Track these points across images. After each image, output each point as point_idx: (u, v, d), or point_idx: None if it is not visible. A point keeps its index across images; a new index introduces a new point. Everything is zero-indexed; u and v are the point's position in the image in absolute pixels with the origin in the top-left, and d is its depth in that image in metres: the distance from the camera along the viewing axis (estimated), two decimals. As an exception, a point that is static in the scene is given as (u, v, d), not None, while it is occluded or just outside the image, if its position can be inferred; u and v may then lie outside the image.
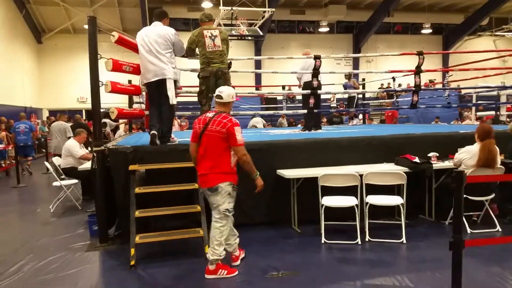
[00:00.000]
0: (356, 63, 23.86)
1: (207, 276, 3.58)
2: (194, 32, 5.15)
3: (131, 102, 7.89)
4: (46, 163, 6.92)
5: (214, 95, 3.81)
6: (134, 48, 4.95)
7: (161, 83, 4.66)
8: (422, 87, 7.14)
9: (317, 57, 6.31)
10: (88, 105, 4.68)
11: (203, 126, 3.60)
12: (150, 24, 4.84)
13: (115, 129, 13.08)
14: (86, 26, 15.18)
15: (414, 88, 6.82)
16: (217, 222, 3.59)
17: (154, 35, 4.65)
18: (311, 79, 6.58)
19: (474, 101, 12.23)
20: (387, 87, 17.70)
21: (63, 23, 20.18)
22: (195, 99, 5.51)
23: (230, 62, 5.25)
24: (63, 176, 6.95)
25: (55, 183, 6.69)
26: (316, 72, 6.41)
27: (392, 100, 13.08)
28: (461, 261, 2.66)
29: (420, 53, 6.61)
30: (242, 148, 3.55)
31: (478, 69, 9.42)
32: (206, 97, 5.12)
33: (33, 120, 18.11)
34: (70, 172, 6.95)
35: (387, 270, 3.68)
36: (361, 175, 4.47)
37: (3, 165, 11.21)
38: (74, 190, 6.97)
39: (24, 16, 18.84)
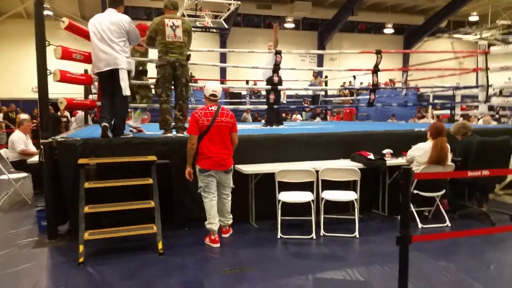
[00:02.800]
0: (320, 61, 24.16)
1: (225, 235, 4.48)
2: (155, 20, 4.97)
3: (87, 93, 7.60)
4: (1, 151, 6.55)
5: (208, 95, 4.28)
6: (86, 35, 4.70)
7: (114, 73, 4.47)
8: (382, 86, 7.30)
9: (278, 52, 6.29)
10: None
11: (212, 119, 4.15)
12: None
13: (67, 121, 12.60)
14: (41, 13, 14.24)
15: (371, 87, 6.94)
16: (228, 197, 4.45)
17: (107, 22, 4.46)
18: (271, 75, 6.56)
19: (431, 100, 12.64)
20: (348, 85, 18.06)
21: (15, 7, 19.11)
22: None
23: (189, 55, 5.12)
24: (12, 170, 6.61)
25: (3, 176, 6.34)
26: (276, 68, 6.39)
27: (352, 98, 13.32)
28: (408, 255, 2.70)
29: (378, 52, 6.73)
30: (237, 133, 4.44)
31: (435, 69, 9.73)
32: (162, 86, 4.95)
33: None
34: (19, 165, 6.62)
35: (339, 264, 3.73)
36: (317, 171, 4.50)
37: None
38: (24, 184, 6.64)
39: (-27, 0, 17.78)
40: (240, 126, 8.25)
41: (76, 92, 9.51)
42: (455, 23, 25.58)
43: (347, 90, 19.78)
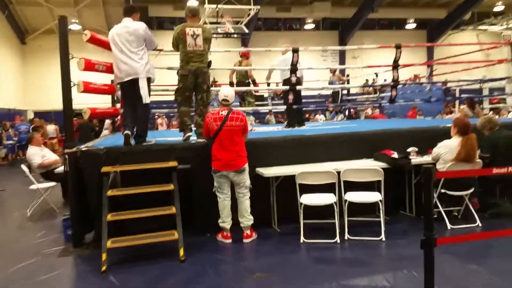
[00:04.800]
0: (342, 59, 23.89)
1: (245, 240, 4.45)
2: (176, 29, 5.03)
3: (113, 101, 7.75)
4: (23, 166, 6.74)
5: (221, 99, 4.51)
6: (107, 47, 4.83)
7: (134, 82, 4.56)
8: (408, 82, 7.12)
9: (295, 50, 6.20)
10: (76, 106, 4.60)
11: (221, 123, 4.34)
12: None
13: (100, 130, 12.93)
14: (70, 26, 14.84)
15: (392, 83, 6.77)
16: (246, 195, 4.53)
17: (126, 33, 4.54)
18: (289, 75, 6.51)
19: (457, 95, 12.27)
20: (372, 83, 17.72)
21: (47, 23, 19.82)
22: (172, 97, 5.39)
23: (210, 61, 5.13)
24: (42, 180, 6.79)
25: (32, 186, 6.53)
26: (294, 68, 6.32)
27: (375, 95, 13.06)
28: (433, 259, 2.59)
29: (398, 46, 6.55)
30: (248, 134, 4.68)
31: (458, 62, 9.42)
32: (182, 95, 5.01)
33: (17, 121, 17.83)
34: (48, 175, 6.79)
35: (364, 270, 3.63)
36: (338, 172, 4.41)
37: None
38: (53, 193, 6.81)
39: (7, 17, 18.49)
40: (262, 129, 8.30)
41: (106, 101, 9.74)
42: (480, 15, 24.75)
43: (371, 88, 19.47)
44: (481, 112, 9.21)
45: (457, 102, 13.06)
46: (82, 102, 4.71)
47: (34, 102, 20.50)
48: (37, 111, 20.14)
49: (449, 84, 13.17)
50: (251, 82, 8.00)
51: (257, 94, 17.66)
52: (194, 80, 4.95)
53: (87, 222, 4.65)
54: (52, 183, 6.67)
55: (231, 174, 4.43)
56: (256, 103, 16.43)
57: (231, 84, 7.77)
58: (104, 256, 3.79)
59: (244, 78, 7.91)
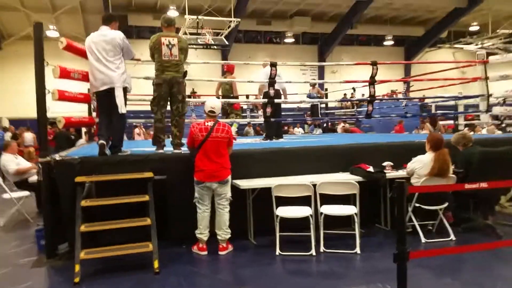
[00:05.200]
0: (321, 74, 24.25)
1: (221, 252, 4.42)
2: (152, 38, 5.03)
3: (90, 111, 7.63)
4: (-6, 175, 6.57)
5: (207, 111, 4.51)
6: (84, 55, 4.76)
7: (110, 91, 4.50)
8: (384, 97, 7.26)
9: (273, 65, 6.29)
10: (52, 115, 4.54)
11: (206, 134, 4.34)
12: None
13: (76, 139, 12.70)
14: (48, 33, 14.61)
15: (368, 98, 6.91)
16: (225, 208, 4.51)
17: (102, 42, 4.50)
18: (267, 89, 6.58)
19: (433, 111, 12.59)
20: (350, 97, 18.04)
21: (24, 29, 19.39)
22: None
23: (186, 72, 5.14)
24: (15, 188, 6.61)
25: (5, 195, 6.35)
26: (271, 81, 6.39)
27: (352, 109, 13.29)
28: (405, 272, 2.64)
29: (374, 63, 6.72)
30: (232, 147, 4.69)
31: (434, 79, 9.70)
32: (158, 104, 5.00)
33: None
34: (21, 184, 6.62)
35: (339, 282, 3.66)
36: (314, 185, 4.45)
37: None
38: (27, 203, 6.62)
39: (-17, 21, 18.09)
40: (240, 140, 8.31)
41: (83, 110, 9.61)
42: (456, 33, 25.63)
43: (348, 102, 19.80)
44: (442, 129, 9.55)
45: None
46: (61, 110, 4.63)
47: (9, 109, 19.92)
48: (13, 118, 19.58)
49: (425, 100, 13.51)
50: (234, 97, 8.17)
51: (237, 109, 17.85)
52: (169, 90, 4.95)
53: (61, 233, 4.54)
54: (26, 193, 6.49)
55: (215, 185, 4.41)
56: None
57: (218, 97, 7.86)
58: (77, 268, 3.71)
59: (228, 92, 8.02)
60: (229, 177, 4.50)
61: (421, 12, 23.33)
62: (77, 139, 13.25)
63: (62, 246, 4.59)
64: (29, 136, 14.34)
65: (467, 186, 2.89)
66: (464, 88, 17.39)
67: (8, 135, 13.97)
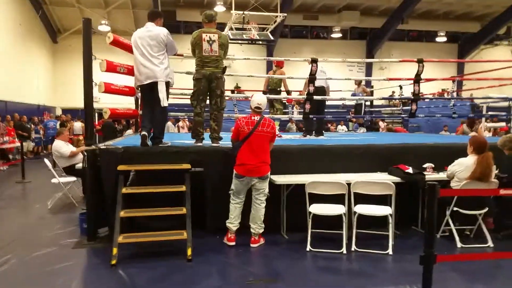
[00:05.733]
0: (369, 70, 23.68)
1: (253, 245, 4.52)
2: (193, 34, 5.16)
3: (137, 103, 7.98)
4: (46, 160, 7.02)
5: (254, 106, 4.59)
6: (129, 49, 5.00)
7: (153, 85, 4.70)
8: (428, 96, 7.02)
9: (313, 61, 6.26)
10: (101, 105, 4.85)
11: (252, 128, 4.42)
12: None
13: (125, 129, 13.34)
14: (100, 27, 15.34)
15: (412, 97, 6.72)
16: (262, 203, 4.56)
17: (147, 37, 4.70)
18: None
19: (484, 112, 11.99)
20: (399, 95, 17.53)
21: (77, 24, 20.45)
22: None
23: (225, 67, 5.25)
24: (63, 174, 7.05)
25: (53, 180, 6.80)
26: (312, 78, 6.36)
27: (399, 108, 12.91)
28: (431, 276, 2.60)
29: (420, 61, 6.52)
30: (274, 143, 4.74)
31: (487, 79, 9.24)
32: (197, 99, 5.14)
33: (46, 117, 18.52)
34: (69, 170, 7.04)
35: (366, 281, 3.63)
36: (349, 184, 4.42)
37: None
38: (74, 188, 7.07)
39: (41, 17, 19.24)
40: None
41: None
42: (516, 30, 24.19)
43: (397, 101, 19.23)
44: (480, 131, 9.10)
45: (483, 119, 12.77)
46: (112, 101, 4.92)
47: (62, 99, 21.20)
48: (65, 108, 20.85)
49: (476, 101, 12.88)
50: (283, 91, 8.28)
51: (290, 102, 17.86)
52: (208, 85, 5.07)
53: (102, 217, 4.82)
54: (73, 178, 6.91)
55: (254, 180, 4.47)
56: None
57: (264, 92, 7.94)
58: (114, 250, 3.93)
59: (277, 86, 8.10)
60: (269, 173, 4.56)
61: (477, 7, 22.15)
62: (126, 130, 13.93)
63: (102, 230, 4.89)
64: (78, 126, 15.21)
65: (502, 191, 2.77)
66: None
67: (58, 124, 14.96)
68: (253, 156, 4.43)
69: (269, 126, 4.53)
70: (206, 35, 5.03)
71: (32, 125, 15.72)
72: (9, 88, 15.60)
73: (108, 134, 11.15)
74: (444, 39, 24.15)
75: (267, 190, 4.58)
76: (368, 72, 23.63)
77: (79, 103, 4.67)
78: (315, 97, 6.45)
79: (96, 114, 15.83)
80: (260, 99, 4.64)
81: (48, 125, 16.11)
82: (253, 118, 4.54)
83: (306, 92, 6.84)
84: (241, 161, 4.46)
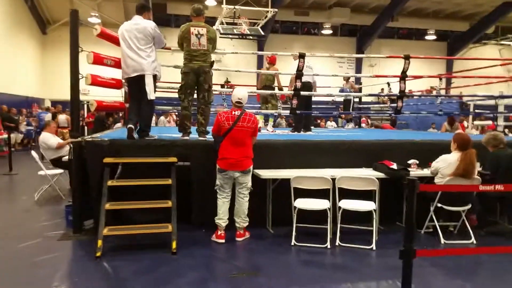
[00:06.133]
0: (358, 67, 23.80)
1: (238, 239, 4.55)
2: (181, 28, 5.15)
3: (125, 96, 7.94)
4: (33, 152, 6.97)
5: (234, 101, 4.58)
6: (117, 42, 4.97)
7: (140, 78, 4.69)
8: (424, 93, 7.08)
9: (301, 56, 6.27)
10: (90, 97, 4.82)
11: (233, 123, 4.41)
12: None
13: (115, 123, 13.25)
14: (90, 19, 15.13)
15: (398, 94, 6.78)
16: (246, 197, 4.61)
17: (134, 30, 4.68)
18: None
19: (471, 110, 12.14)
20: (388, 92, 17.66)
21: (67, 15, 20.09)
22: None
23: (213, 61, 5.25)
24: (50, 166, 7.00)
25: (40, 172, 6.75)
26: (299, 74, 6.39)
27: (386, 105, 13.02)
28: (411, 270, 2.65)
29: (406, 57, 6.57)
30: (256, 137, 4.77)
31: (474, 77, 9.36)
32: (185, 93, 5.14)
33: (34, 109, 18.31)
34: (56, 162, 6.99)
35: (349, 276, 3.68)
36: (334, 179, 4.47)
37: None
38: (61, 180, 7.03)
39: (30, 7, 18.95)
40: (267, 132, 8.37)
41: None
42: (504, 29, 24.44)
43: (386, 98, 19.37)
44: (460, 129, 9.29)
45: (470, 116, 12.93)
46: (102, 94, 4.89)
47: (51, 91, 20.90)
48: (54, 100, 20.56)
49: (464, 99, 13.02)
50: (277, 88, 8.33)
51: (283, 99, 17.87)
52: (196, 79, 5.07)
53: (88, 210, 4.80)
54: (60, 170, 6.87)
55: (237, 174, 4.49)
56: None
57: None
58: (99, 243, 3.93)
59: (271, 83, 8.16)
60: (251, 167, 4.58)
61: (467, 6, 22.33)
62: (116, 123, 13.84)
63: (88, 222, 4.88)
64: (63, 118, 15.06)
65: (481, 187, 2.84)
66: (509, 87, 16.61)
67: (48, 116, 14.78)
68: (235, 151, 4.45)
69: (249, 121, 4.52)
70: (195, 29, 5.02)
71: (23, 117, 15.60)
72: (-3, 79, 15.41)
73: (97, 127, 11.09)
74: (434, 37, 24.36)
75: (250, 184, 4.60)
76: (358, 69, 23.75)
77: (68, 95, 4.63)
78: (302, 92, 6.47)
79: (85, 107, 15.82)
80: (241, 94, 4.62)
81: (41, 116, 15.97)
82: (233, 113, 4.53)
83: (293, 88, 6.88)
84: (223, 155, 4.48)
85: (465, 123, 12.96)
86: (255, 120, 4.62)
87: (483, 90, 12.41)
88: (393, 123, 15.91)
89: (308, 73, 6.95)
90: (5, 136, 12.01)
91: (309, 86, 7.20)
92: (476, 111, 12.24)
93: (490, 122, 12.98)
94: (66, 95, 5.02)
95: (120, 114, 12.41)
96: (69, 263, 3.93)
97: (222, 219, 4.56)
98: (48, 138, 6.92)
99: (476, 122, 13.58)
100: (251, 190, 4.65)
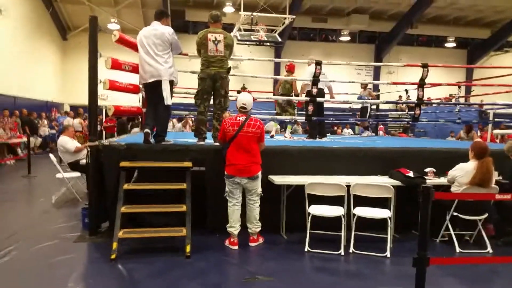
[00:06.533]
0: (376, 74, 23.62)
1: (251, 244, 4.57)
2: (199, 34, 5.23)
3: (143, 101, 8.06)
4: (51, 155, 7.13)
5: (239, 106, 4.59)
6: (135, 48, 5.07)
7: (158, 84, 4.76)
8: (442, 101, 7.00)
9: (318, 63, 6.28)
10: (108, 102, 4.93)
11: (238, 129, 4.41)
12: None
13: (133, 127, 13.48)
14: (109, 26, 15.47)
15: (416, 102, 6.71)
16: (256, 203, 4.59)
17: (152, 36, 4.76)
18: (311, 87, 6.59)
19: (490, 118, 11.91)
20: (406, 99, 17.46)
21: (87, 21, 20.61)
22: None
23: (230, 67, 5.30)
24: (68, 170, 7.14)
25: (58, 175, 6.89)
26: (315, 80, 6.39)
27: (404, 112, 12.87)
28: (424, 278, 2.62)
29: (424, 65, 6.52)
30: (264, 143, 4.73)
31: (494, 85, 9.20)
32: (201, 98, 5.20)
33: (54, 113, 18.73)
34: (74, 166, 7.13)
35: (361, 283, 3.65)
36: (348, 186, 4.44)
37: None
38: (79, 183, 7.16)
39: (51, 14, 19.43)
40: (282, 138, 8.38)
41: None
42: (527, 37, 23.93)
43: (404, 105, 19.16)
44: (476, 136, 9.13)
45: (490, 125, 12.67)
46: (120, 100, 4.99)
47: (70, 96, 21.34)
48: (73, 104, 20.97)
49: (484, 107, 12.82)
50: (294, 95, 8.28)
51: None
52: (212, 84, 5.12)
53: (104, 213, 4.88)
54: (77, 174, 7.00)
55: (244, 180, 4.48)
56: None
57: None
58: (114, 245, 4.00)
59: (289, 91, 8.11)
60: (259, 173, 4.54)
61: (488, 13, 21.95)
62: (134, 127, 14.08)
63: (104, 225, 4.95)
64: (76, 122, 15.37)
65: (497, 196, 2.78)
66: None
67: (68, 120, 15.10)
68: (242, 156, 4.44)
69: (255, 126, 4.50)
70: (212, 35, 5.09)
71: (45, 121, 15.99)
72: (18, 84, 15.79)
73: (119, 131, 11.37)
74: (453, 44, 24.03)
75: (259, 190, 4.59)
76: (376, 76, 23.57)
77: (87, 100, 4.73)
78: (318, 99, 6.46)
79: (103, 111, 16.12)
80: (245, 99, 4.62)
81: (60, 121, 16.49)
82: (238, 118, 4.53)
83: (305, 95, 6.88)
84: (230, 161, 4.48)
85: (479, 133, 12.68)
86: (261, 126, 4.59)
87: (503, 99, 12.15)
88: (404, 130, 15.74)
89: (322, 80, 6.95)
90: (25, 139, 12.31)
91: (321, 93, 7.19)
92: (496, 119, 12.02)
93: (510, 131, 12.69)
94: (85, 100, 5.12)
95: (140, 119, 12.59)
96: (85, 265, 4.00)
97: (234, 227, 4.54)
98: (66, 142, 7.07)
99: (495, 131, 13.31)
100: (261, 196, 4.63)
